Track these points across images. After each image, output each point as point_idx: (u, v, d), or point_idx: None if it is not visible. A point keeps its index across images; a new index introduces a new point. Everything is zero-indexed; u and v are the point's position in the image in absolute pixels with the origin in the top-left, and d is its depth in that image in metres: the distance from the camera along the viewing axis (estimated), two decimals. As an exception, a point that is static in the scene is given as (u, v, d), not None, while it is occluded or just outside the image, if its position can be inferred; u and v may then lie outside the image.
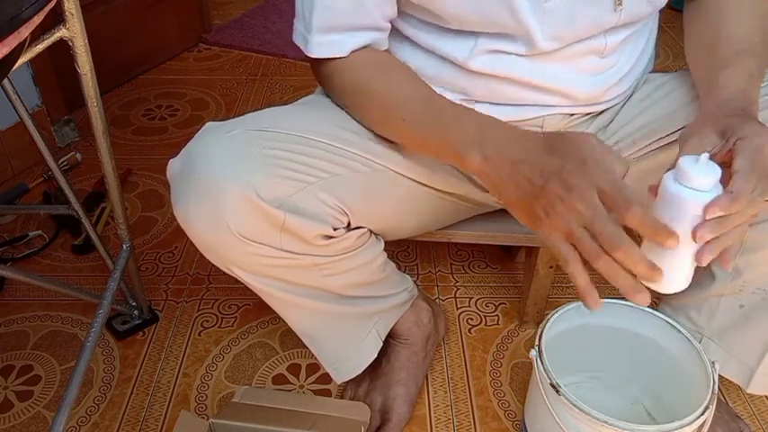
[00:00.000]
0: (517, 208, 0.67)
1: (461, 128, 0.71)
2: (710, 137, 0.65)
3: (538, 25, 0.76)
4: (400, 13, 0.81)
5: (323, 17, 0.76)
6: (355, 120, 0.83)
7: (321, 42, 0.78)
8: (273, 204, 0.72)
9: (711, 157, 0.61)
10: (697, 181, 0.59)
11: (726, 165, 0.62)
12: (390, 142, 0.83)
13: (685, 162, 0.60)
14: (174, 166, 0.76)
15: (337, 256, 0.81)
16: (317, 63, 0.81)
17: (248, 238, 0.74)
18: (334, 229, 0.79)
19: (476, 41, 0.79)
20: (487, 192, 0.94)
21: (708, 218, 0.58)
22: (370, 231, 0.86)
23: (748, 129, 0.63)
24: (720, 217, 0.59)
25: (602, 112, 0.90)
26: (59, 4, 0.76)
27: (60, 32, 0.78)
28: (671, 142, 0.84)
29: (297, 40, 0.81)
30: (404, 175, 0.85)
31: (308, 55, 0.80)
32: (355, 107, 0.82)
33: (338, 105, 0.84)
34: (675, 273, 0.64)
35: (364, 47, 0.79)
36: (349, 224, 0.81)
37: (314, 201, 0.76)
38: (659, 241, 0.59)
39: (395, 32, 0.84)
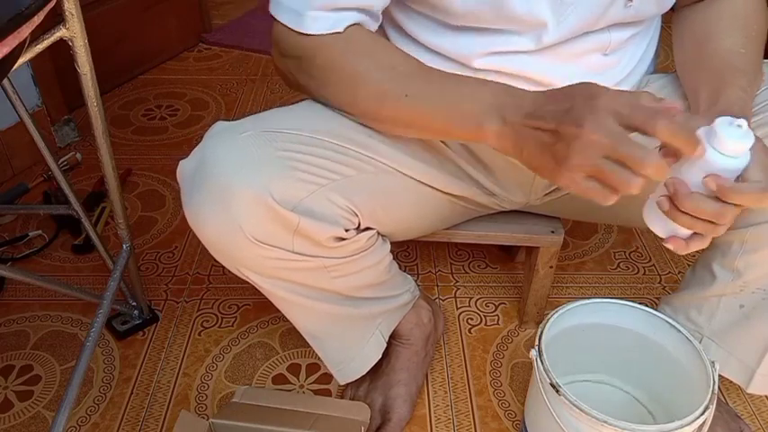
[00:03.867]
0: (540, 165, 0.65)
1: (475, 96, 0.70)
2: None
3: (553, 17, 0.75)
4: (404, 9, 0.80)
5: None
6: (341, 109, 0.78)
7: (317, 17, 0.72)
8: (287, 207, 0.72)
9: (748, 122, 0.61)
10: (731, 146, 0.59)
11: None
12: (396, 142, 0.82)
13: (721, 125, 0.60)
14: (185, 167, 0.76)
15: (347, 257, 0.81)
16: (294, 42, 0.74)
17: (261, 241, 0.73)
18: (346, 231, 0.79)
19: (480, 41, 0.78)
20: (491, 195, 0.94)
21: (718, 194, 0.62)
22: (378, 233, 0.86)
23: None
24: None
25: None
26: (59, 4, 0.76)
27: (60, 32, 0.78)
28: None
29: (282, 16, 0.74)
30: (411, 177, 0.84)
31: (302, 32, 0.73)
32: (344, 88, 0.76)
33: (316, 96, 0.79)
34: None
35: (355, 24, 0.75)
36: (359, 225, 0.82)
37: (326, 203, 0.76)
38: (690, 150, 0.60)
39: (399, 31, 0.83)
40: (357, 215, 0.80)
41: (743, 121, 0.60)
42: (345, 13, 0.74)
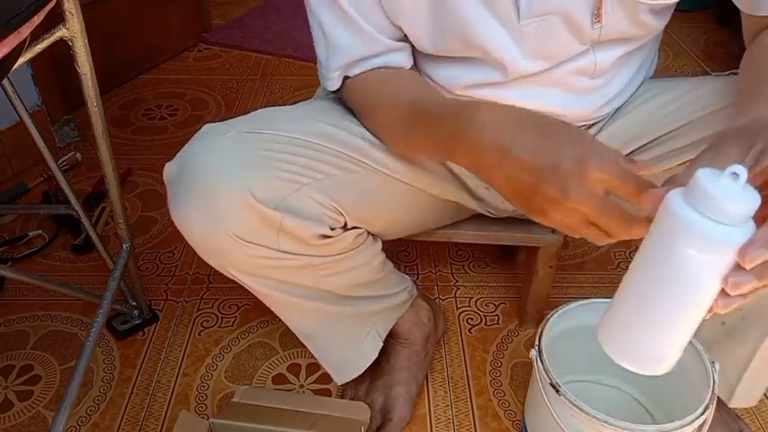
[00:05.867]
0: (513, 199, 0.63)
1: (441, 123, 0.69)
2: (730, 152, 0.49)
3: (517, 48, 0.75)
4: None
5: (337, 58, 0.78)
6: (375, 135, 0.82)
7: (335, 78, 0.80)
8: (269, 206, 0.73)
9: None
10: (725, 208, 0.40)
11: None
12: (384, 145, 0.83)
13: (706, 178, 0.40)
14: (169, 169, 0.76)
15: (334, 256, 0.81)
16: (342, 91, 0.83)
17: (246, 240, 0.74)
18: (332, 229, 0.79)
19: (459, 73, 0.80)
20: (480, 200, 0.94)
21: (749, 266, 0.41)
22: (367, 231, 0.86)
23: None
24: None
25: (594, 124, 0.89)
26: (59, 4, 0.76)
27: (60, 32, 0.78)
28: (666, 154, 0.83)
29: (322, 82, 0.83)
30: (400, 180, 0.85)
31: (330, 90, 0.82)
32: (367, 122, 0.82)
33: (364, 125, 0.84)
34: (674, 343, 0.48)
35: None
36: (345, 224, 0.82)
37: (309, 201, 0.76)
38: None
39: None
40: (342, 214, 0.80)
41: (740, 168, 0.40)
42: (362, 64, 0.78)
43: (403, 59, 0.80)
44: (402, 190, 0.86)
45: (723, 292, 0.43)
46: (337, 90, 0.82)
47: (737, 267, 0.42)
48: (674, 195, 0.43)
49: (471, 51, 0.77)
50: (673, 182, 0.46)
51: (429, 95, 0.76)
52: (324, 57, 0.80)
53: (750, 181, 0.44)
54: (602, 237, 0.58)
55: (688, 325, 0.46)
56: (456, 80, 0.81)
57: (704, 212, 0.40)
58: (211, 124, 0.78)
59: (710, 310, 0.45)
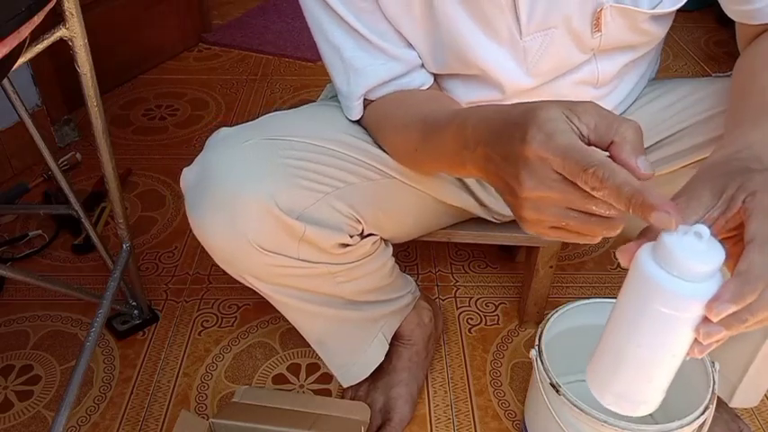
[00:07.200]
0: (506, 204, 0.56)
1: (444, 137, 0.65)
2: (702, 197, 0.47)
3: (518, 65, 0.75)
4: None
5: (359, 82, 0.76)
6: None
7: (357, 106, 0.79)
8: (293, 216, 0.72)
9: (711, 230, 0.43)
10: (690, 268, 0.42)
11: (728, 235, 0.47)
12: None
13: (671, 239, 0.43)
14: (188, 175, 0.76)
15: (353, 263, 0.81)
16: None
17: (267, 250, 0.73)
18: (350, 237, 0.79)
19: (461, 88, 0.80)
20: (485, 207, 0.95)
21: (715, 319, 0.42)
22: (381, 238, 0.86)
23: (761, 181, 0.46)
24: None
25: None
26: (59, 4, 0.76)
27: (60, 32, 0.78)
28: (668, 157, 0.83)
29: (345, 113, 0.81)
30: (409, 185, 0.85)
31: (353, 119, 0.81)
32: (382, 143, 0.81)
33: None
34: (653, 389, 0.49)
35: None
36: (362, 231, 0.82)
37: (330, 210, 0.76)
38: (646, 215, 0.43)
39: None
40: (361, 222, 0.80)
41: (702, 228, 0.42)
42: (383, 87, 0.77)
43: (423, 78, 0.79)
44: (413, 196, 0.86)
45: (697, 340, 0.45)
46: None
47: (707, 318, 0.43)
48: (644, 253, 0.45)
49: (471, 70, 0.77)
50: (646, 234, 0.46)
51: (438, 111, 0.70)
52: (344, 84, 0.77)
53: (722, 226, 0.46)
54: (580, 237, 0.51)
55: (665, 372, 0.48)
56: (459, 97, 0.81)
57: (671, 271, 0.43)
58: (228, 129, 0.78)
59: (687, 354, 0.46)
